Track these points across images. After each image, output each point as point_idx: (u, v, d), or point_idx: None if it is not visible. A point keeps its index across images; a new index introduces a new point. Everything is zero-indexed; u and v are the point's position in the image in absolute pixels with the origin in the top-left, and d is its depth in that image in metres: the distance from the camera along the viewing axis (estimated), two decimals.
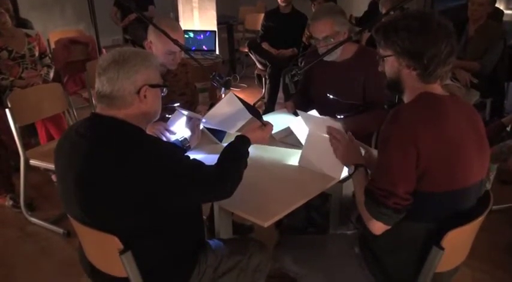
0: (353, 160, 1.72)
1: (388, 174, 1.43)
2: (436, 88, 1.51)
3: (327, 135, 1.82)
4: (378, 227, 1.48)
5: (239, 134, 1.78)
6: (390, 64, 1.54)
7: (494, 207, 1.69)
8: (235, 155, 1.67)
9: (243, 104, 1.96)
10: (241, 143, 1.74)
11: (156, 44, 2.30)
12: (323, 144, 1.83)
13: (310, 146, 1.97)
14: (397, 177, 1.40)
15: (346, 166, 1.76)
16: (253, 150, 1.78)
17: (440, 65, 1.45)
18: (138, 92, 1.47)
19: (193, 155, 1.97)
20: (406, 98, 1.55)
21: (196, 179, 1.48)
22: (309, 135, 1.99)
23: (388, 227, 1.46)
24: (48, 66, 3.77)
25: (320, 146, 1.85)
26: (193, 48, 4.80)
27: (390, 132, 1.43)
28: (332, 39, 2.35)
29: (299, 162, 2.01)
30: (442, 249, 1.40)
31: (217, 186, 1.54)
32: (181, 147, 2.01)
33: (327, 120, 1.94)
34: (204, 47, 4.86)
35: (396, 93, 1.62)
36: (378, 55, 1.58)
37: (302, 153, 2.01)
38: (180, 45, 2.23)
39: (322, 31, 2.37)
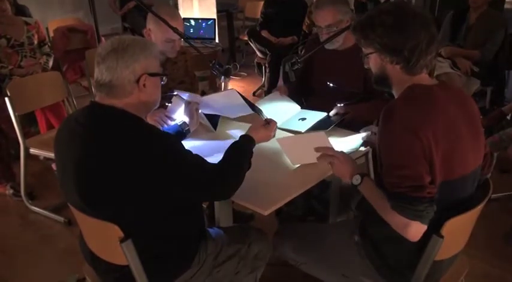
0: (353, 171, 1.61)
1: (409, 170, 1.37)
2: (424, 78, 1.49)
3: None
4: (415, 231, 1.37)
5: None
6: (373, 61, 1.53)
7: (493, 195, 1.70)
8: (239, 156, 1.64)
9: (245, 101, 1.95)
10: (246, 143, 1.70)
11: (155, 32, 2.29)
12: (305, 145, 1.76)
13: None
14: (418, 169, 1.36)
15: (350, 180, 1.60)
16: None
17: (422, 55, 1.44)
18: (138, 81, 1.46)
19: (189, 142, 1.96)
20: (396, 92, 1.54)
21: (196, 176, 1.47)
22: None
23: (425, 228, 1.38)
24: (48, 55, 3.75)
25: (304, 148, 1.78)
26: (194, 37, 4.77)
27: (390, 133, 1.41)
28: (335, 28, 2.34)
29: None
30: (442, 237, 1.41)
31: (217, 187, 1.53)
32: (181, 131, 2.00)
33: (311, 136, 1.86)
34: (203, 35, 4.84)
35: (385, 89, 1.59)
36: (360, 53, 1.57)
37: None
38: (179, 33, 2.21)
39: (326, 20, 2.36)
